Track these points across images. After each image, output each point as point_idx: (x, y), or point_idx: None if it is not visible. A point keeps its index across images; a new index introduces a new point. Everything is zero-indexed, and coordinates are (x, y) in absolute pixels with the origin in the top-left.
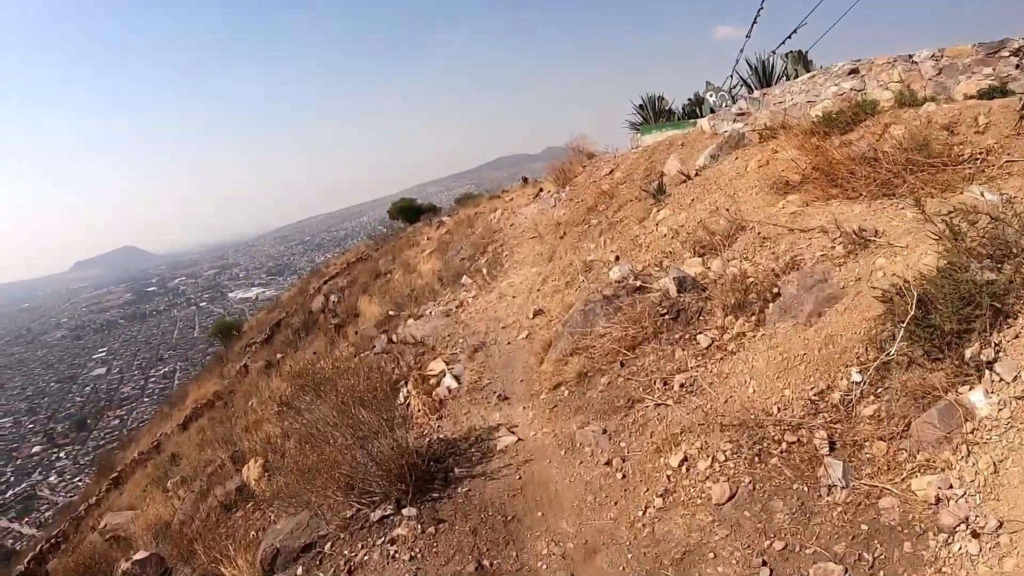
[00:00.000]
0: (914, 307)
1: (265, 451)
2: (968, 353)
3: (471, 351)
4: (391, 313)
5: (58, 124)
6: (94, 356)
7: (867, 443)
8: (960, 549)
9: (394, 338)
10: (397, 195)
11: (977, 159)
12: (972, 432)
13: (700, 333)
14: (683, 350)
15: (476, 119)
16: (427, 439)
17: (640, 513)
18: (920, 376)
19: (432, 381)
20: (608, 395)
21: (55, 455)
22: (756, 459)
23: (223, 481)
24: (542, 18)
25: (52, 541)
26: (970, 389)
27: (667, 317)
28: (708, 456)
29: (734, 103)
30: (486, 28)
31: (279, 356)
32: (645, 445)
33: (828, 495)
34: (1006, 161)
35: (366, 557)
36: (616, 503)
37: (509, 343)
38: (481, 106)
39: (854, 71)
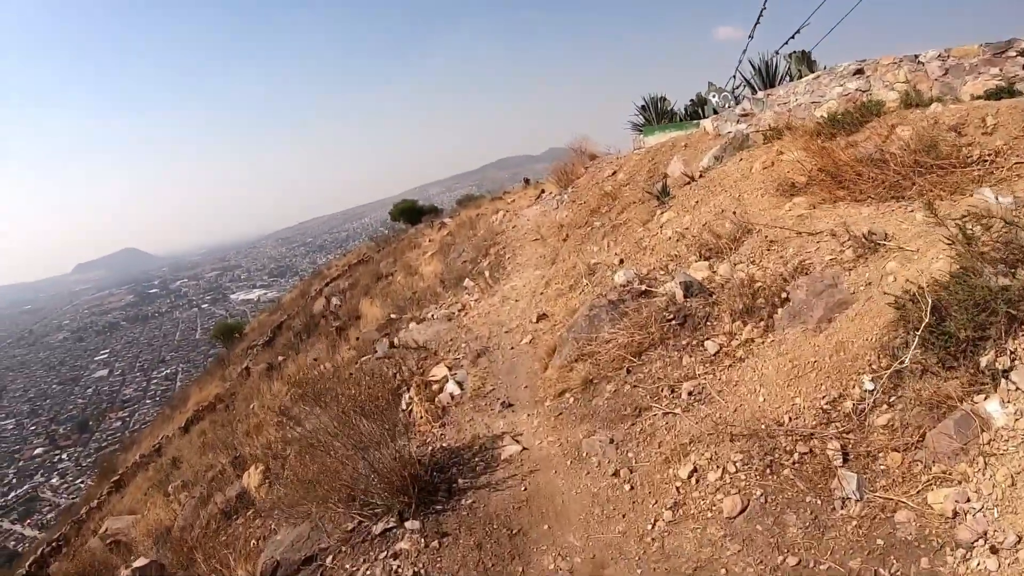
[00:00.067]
0: (928, 314)
1: (266, 457)
2: (983, 361)
3: (474, 356)
4: (393, 316)
5: (58, 124)
6: (96, 358)
7: (881, 454)
8: (979, 565)
9: (396, 342)
10: (399, 196)
11: (986, 161)
12: (988, 443)
13: (708, 339)
14: (691, 357)
15: (477, 119)
16: (430, 448)
17: (649, 527)
18: (934, 385)
19: (435, 387)
20: (614, 403)
21: (57, 457)
22: (768, 470)
23: (223, 487)
24: (542, 18)
25: (53, 544)
26: (986, 398)
27: (674, 323)
28: (718, 467)
29: (737, 104)
30: (486, 28)
31: (281, 359)
32: (653, 455)
33: (842, 508)
34: (1015, 163)
35: (368, 572)
36: (624, 516)
37: (512, 348)
38: (482, 106)
39: (859, 71)
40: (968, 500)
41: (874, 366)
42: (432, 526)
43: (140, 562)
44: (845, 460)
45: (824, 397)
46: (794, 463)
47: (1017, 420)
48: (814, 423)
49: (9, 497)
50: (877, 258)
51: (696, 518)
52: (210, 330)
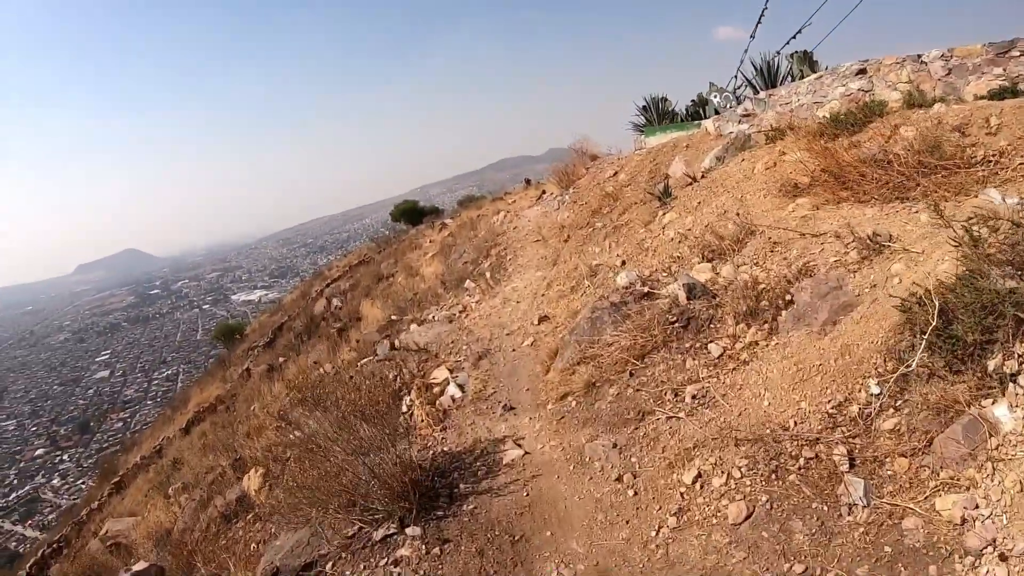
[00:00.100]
0: (936, 317)
1: (266, 460)
2: (991, 365)
3: (475, 359)
4: (393, 318)
5: (58, 124)
6: (97, 359)
7: (888, 459)
8: (988, 573)
9: (396, 344)
10: (399, 197)
11: (990, 161)
12: (996, 448)
13: (711, 342)
14: (694, 360)
15: (478, 120)
16: (431, 452)
17: (653, 533)
18: (941, 389)
19: (436, 390)
20: (617, 406)
21: (58, 458)
22: (773, 476)
23: (223, 490)
24: (542, 18)
25: (54, 546)
26: (993, 403)
27: (677, 325)
28: (723, 473)
29: (739, 104)
30: (486, 28)
31: (281, 360)
32: (657, 460)
33: (849, 515)
34: (1020, 163)
35: None
36: (628, 522)
37: (514, 350)
38: (482, 106)
39: (862, 71)
40: (976, 506)
41: (880, 370)
42: (433, 532)
43: (140, 566)
44: (851, 465)
45: (830, 401)
46: (800, 468)
47: None
48: (820, 428)
49: (10, 498)
50: (882, 260)
51: (701, 524)
52: (211, 331)
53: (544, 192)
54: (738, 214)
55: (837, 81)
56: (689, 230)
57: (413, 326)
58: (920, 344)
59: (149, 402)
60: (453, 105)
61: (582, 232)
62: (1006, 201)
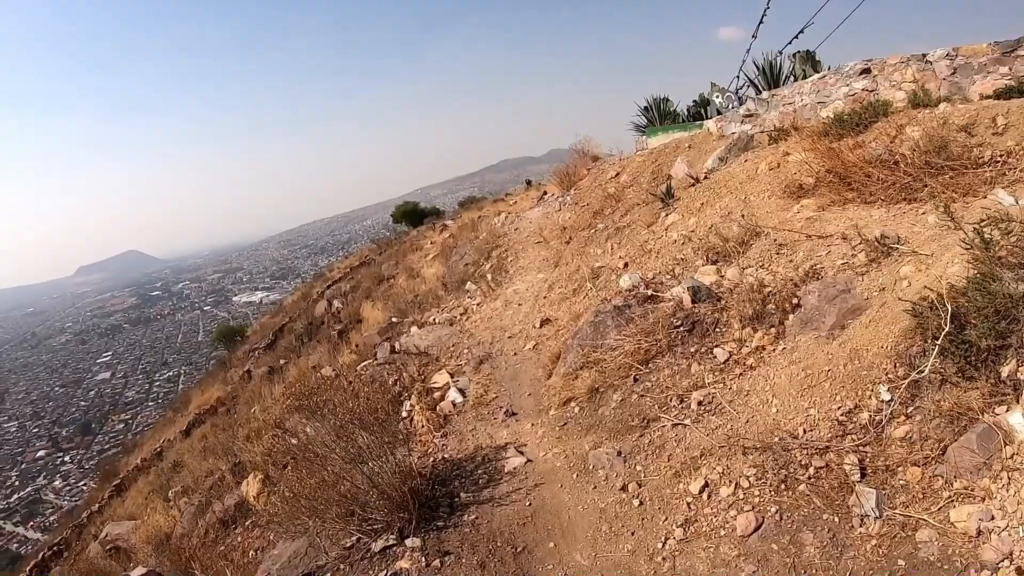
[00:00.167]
0: (948, 322)
1: (265, 465)
2: (1004, 371)
3: (476, 362)
4: (394, 319)
5: (59, 126)
6: (99, 360)
7: (900, 468)
8: None
9: (397, 347)
10: (400, 198)
11: (998, 161)
12: (1012, 457)
13: (717, 346)
14: (699, 364)
15: (478, 120)
16: (431, 459)
17: (660, 545)
18: (954, 396)
19: (436, 394)
20: (621, 413)
21: (60, 459)
22: (782, 486)
23: (222, 495)
24: (542, 18)
25: (54, 548)
26: (1007, 410)
27: (682, 329)
28: (731, 482)
29: (741, 104)
30: (487, 28)
31: (282, 362)
32: (663, 469)
33: (861, 526)
34: None
35: None
36: (633, 533)
37: (516, 354)
38: (483, 107)
39: (866, 71)
40: (992, 518)
41: (890, 375)
42: (433, 544)
43: (138, 571)
44: (863, 475)
45: (839, 408)
46: (810, 478)
47: None
48: (829, 435)
49: (12, 499)
50: (890, 262)
51: (708, 536)
52: (212, 332)
53: (545, 193)
54: (742, 215)
55: (841, 81)
56: (692, 232)
57: (414, 329)
58: (932, 349)
59: (150, 404)
60: (454, 106)
61: (584, 234)
62: (1018, 202)
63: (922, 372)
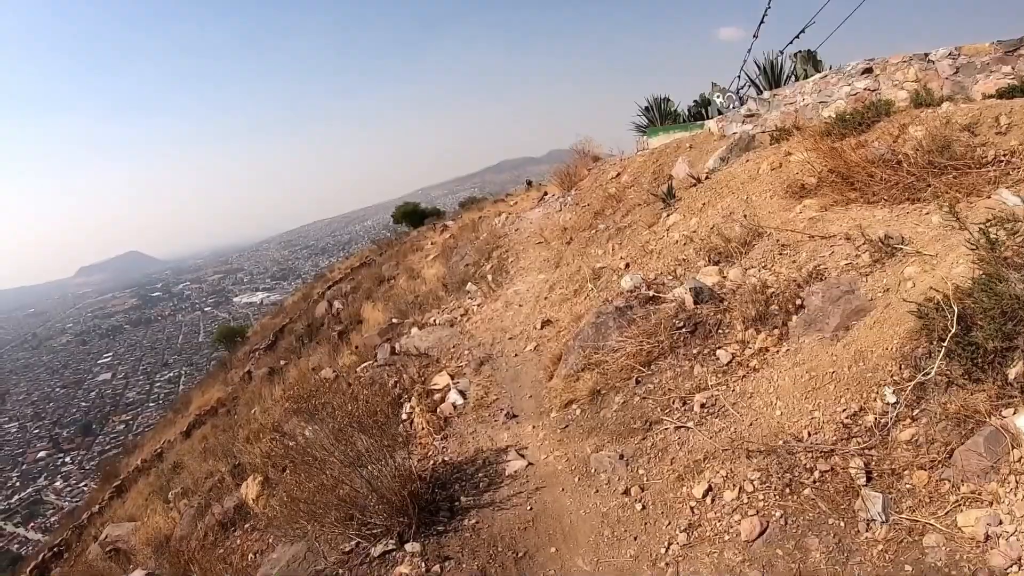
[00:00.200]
0: (955, 323)
1: (265, 467)
2: (1011, 373)
3: (477, 364)
4: (394, 320)
5: (60, 127)
6: (99, 361)
7: (906, 472)
8: None
9: (397, 348)
10: (401, 199)
11: (1001, 161)
12: (1019, 461)
13: (719, 348)
14: (702, 366)
15: (479, 121)
16: (431, 462)
17: (663, 550)
18: (961, 398)
19: (436, 396)
20: (623, 415)
21: (60, 460)
22: (787, 490)
23: (222, 497)
24: (542, 18)
25: (55, 550)
26: (1015, 413)
27: (684, 330)
28: (735, 486)
29: (742, 104)
30: (487, 29)
31: (283, 363)
32: (666, 472)
33: (867, 531)
34: None
35: None
36: (636, 538)
37: (516, 355)
38: (483, 107)
39: (868, 70)
40: (1000, 523)
41: (896, 377)
42: (433, 549)
43: (137, 574)
44: (868, 479)
45: (844, 410)
46: (815, 482)
47: None
48: (834, 438)
49: (13, 500)
50: (894, 263)
51: (712, 541)
52: (213, 333)
53: (546, 194)
54: (744, 216)
55: (843, 80)
56: (694, 232)
57: (414, 330)
58: (938, 351)
59: (151, 404)
60: (454, 106)
61: (585, 234)
62: (1023, 202)
63: (928, 374)
